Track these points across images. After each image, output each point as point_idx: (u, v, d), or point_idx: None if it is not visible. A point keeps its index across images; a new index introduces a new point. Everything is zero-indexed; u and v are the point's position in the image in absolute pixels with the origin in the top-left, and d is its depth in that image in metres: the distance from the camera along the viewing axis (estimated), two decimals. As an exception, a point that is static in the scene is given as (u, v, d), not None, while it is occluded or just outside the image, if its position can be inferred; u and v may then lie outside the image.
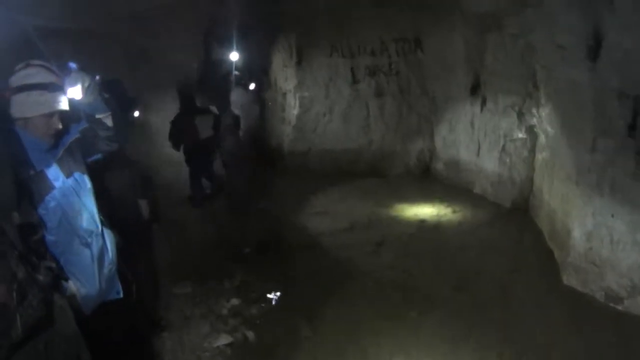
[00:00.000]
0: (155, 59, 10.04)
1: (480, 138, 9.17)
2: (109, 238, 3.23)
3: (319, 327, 4.91)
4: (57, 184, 2.89)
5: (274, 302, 5.60)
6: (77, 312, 2.80)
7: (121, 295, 3.34)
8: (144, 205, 4.94)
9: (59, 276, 2.75)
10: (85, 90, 3.09)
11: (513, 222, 7.64)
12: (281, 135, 12.77)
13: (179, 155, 8.64)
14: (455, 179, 10.00)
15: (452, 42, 9.75)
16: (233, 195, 9.02)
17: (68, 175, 2.99)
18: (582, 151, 5.30)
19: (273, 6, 11.44)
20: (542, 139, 7.39)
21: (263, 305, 5.52)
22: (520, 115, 7.95)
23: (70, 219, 2.92)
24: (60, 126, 2.93)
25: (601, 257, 5.07)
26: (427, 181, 10.69)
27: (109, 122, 3.33)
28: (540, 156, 7.47)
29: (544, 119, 7.22)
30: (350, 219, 8.25)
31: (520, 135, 8.01)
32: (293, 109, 12.13)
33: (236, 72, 12.99)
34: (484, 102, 9.02)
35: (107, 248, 3.17)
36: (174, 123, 8.39)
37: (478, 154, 9.28)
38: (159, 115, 8.99)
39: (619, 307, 4.87)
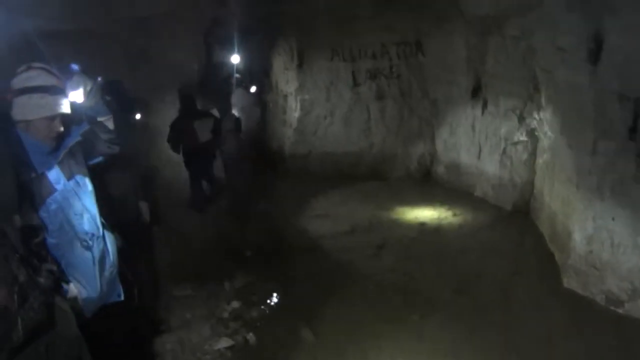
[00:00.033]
0: (156, 60, 10.03)
1: (481, 141, 9.17)
2: (110, 241, 3.24)
3: (320, 330, 4.90)
4: (59, 186, 2.90)
5: (274, 305, 5.60)
6: (78, 315, 2.80)
7: (122, 297, 3.34)
8: (144, 207, 4.94)
9: (60, 279, 2.75)
10: (87, 94, 3.09)
11: (514, 225, 7.64)
12: (282, 138, 12.79)
13: (179, 157, 8.64)
14: (456, 182, 10.00)
15: (453, 45, 9.75)
16: (234, 197, 9.02)
17: (69, 177, 2.99)
18: (583, 154, 5.30)
19: (274, 9, 11.45)
20: (543, 141, 7.39)
21: (264, 308, 5.52)
22: (521, 118, 7.96)
23: (72, 221, 2.92)
24: (62, 129, 2.94)
25: (602, 260, 5.07)
26: (428, 184, 10.69)
27: (110, 124, 3.34)
28: (541, 159, 7.47)
29: (544, 121, 7.22)
30: (351, 221, 8.25)
31: (521, 138, 8.01)
32: (294, 111, 12.16)
33: (237, 75, 13.01)
34: (485, 105, 9.03)
35: (108, 251, 3.17)
36: (172, 126, 8.39)
37: (479, 157, 9.28)
38: (159, 116, 8.97)
39: (620, 310, 4.86)
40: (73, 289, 2.86)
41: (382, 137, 11.51)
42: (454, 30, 9.61)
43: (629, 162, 4.78)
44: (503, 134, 8.41)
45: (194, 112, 8.45)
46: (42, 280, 2.39)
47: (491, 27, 8.38)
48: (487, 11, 8.02)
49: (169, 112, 8.84)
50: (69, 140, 3.07)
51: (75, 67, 3.39)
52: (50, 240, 2.82)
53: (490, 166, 8.84)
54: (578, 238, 5.33)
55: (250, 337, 4.86)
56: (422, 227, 7.89)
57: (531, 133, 7.85)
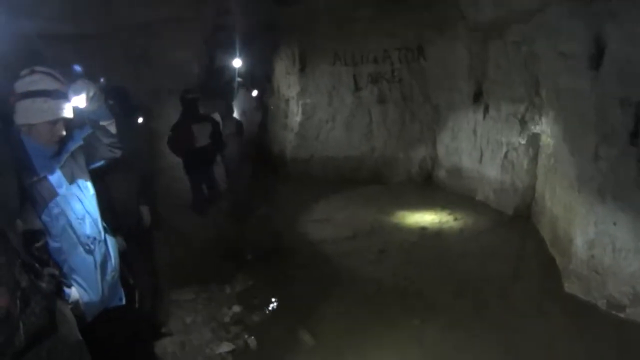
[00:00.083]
0: (157, 61, 10.06)
1: (483, 146, 9.17)
2: (112, 245, 3.24)
3: (321, 334, 4.90)
4: (61, 190, 2.90)
5: (275, 309, 5.59)
6: (79, 319, 2.81)
7: (124, 301, 3.35)
8: (145, 211, 4.94)
9: (61, 283, 2.75)
10: (90, 99, 3.10)
11: (515, 229, 7.64)
12: (284, 142, 12.81)
13: (179, 160, 8.65)
14: (458, 187, 9.99)
15: (455, 50, 9.77)
16: (235, 201, 9.03)
17: (71, 181, 3.00)
18: (585, 159, 5.30)
19: (276, 13, 11.49)
20: (544, 146, 7.39)
21: (265, 312, 5.52)
22: (523, 122, 7.96)
23: (74, 225, 2.92)
24: (64, 133, 2.94)
25: (603, 265, 5.06)
26: (429, 189, 10.68)
27: (112, 129, 3.34)
28: (543, 163, 7.47)
29: (546, 126, 7.23)
30: (352, 226, 8.25)
31: (523, 142, 8.01)
32: (296, 115, 12.18)
33: (239, 79, 13.02)
34: (486, 110, 9.03)
35: (109, 255, 3.18)
36: (172, 129, 8.39)
37: (480, 162, 9.28)
38: (161, 120, 8.99)
39: (621, 315, 4.86)
40: (75, 293, 2.87)
41: (383, 142, 11.51)
42: (455, 36, 9.63)
43: (631, 166, 4.79)
44: (504, 139, 8.40)
45: (194, 115, 8.44)
46: (43, 285, 2.39)
47: (493, 33, 8.39)
48: (488, 17, 8.03)
49: (170, 115, 8.85)
50: (71, 144, 3.08)
51: (77, 68, 3.40)
52: (52, 244, 2.82)
53: (492, 171, 8.84)
54: (579, 243, 5.33)
55: (251, 341, 4.85)
56: (423, 232, 7.88)
57: (533, 138, 7.85)
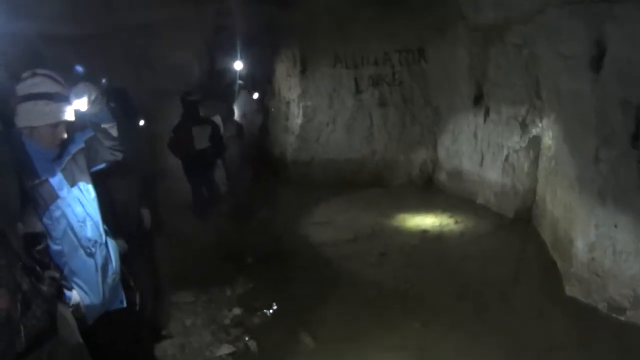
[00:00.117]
0: (157, 62, 10.09)
1: (484, 148, 9.17)
2: (113, 247, 3.24)
3: (321, 337, 4.89)
4: (62, 193, 2.91)
5: (276, 312, 5.59)
6: (80, 322, 2.81)
7: (124, 304, 3.35)
8: (146, 214, 4.94)
9: (62, 286, 2.75)
10: (92, 103, 3.10)
11: (516, 232, 7.62)
12: (284, 145, 12.81)
13: (179, 162, 8.67)
14: (458, 190, 9.98)
15: (456, 52, 9.76)
16: (235, 203, 9.03)
17: (72, 184, 3.01)
18: (585, 161, 5.30)
19: (277, 16, 11.51)
20: (545, 149, 7.38)
21: (265, 314, 5.52)
22: (524, 125, 7.95)
23: (75, 228, 2.93)
24: (66, 136, 2.95)
25: (604, 268, 5.06)
26: (430, 192, 10.67)
27: (114, 132, 3.35)
28: (543, 166, 7.46)
29: (547, 129, 7.22)
30: (353, 229, 8.25)
31: (523, 145, 8.00)
32: (296, 118, 12.18)
33: (240, 81, 13.04)
34: (487, 113, 9.03)
35: (110, 257, 3.18)
36: (173, 131, 8.41)
37: (481, 165, 9.27)
38: (162, 122, 9.00)
39: (622, 318, 4.85)
40: (76, 295, 2.87)
41: (384, 144, 11.51)
42: (456, 38, 9.63)
43: (631, 169, 4.79)
44: (505, 142, 8.40)
45: (194, 118, 8.45)
46: (44, 288, 2.39)
47: (493, 35, 8.39)
48: (489, 18, 8.03)
49: (171, 117, 8.87)
50: (73, 146, 3.08)
51: (79, 68, 3.41)
52: (54, 247, 2.83)
53: (492, 173, 8.83)
54: (580, 245, 5.32)
55: (252, 343, 4.85)
56: (424, 235, 7.88)
57: (533, 140, 7.84)
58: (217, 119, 9.01)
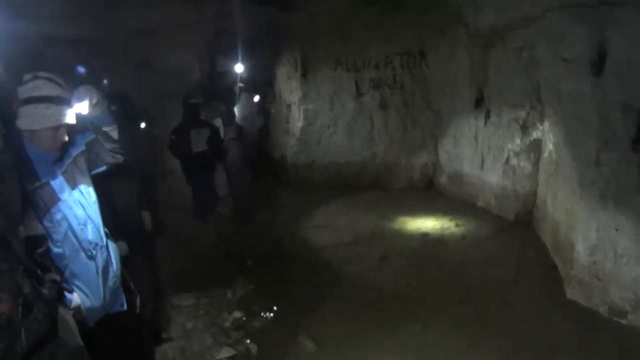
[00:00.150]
0: (158, 64, 10.11)
1: (484, 151, 9.17)
2: (114, 250, 3.25)
3: (322, 340, 4.89)
4: (63, 196, 2.91)
5: (276, 315, 5.58)
6: (81, 324, 2.81)
7: (125, 307, 3.35)
8: (146, 217, 4.95)
9: (63, 288, 2.75)
10: (93, 106, 3.11)
11: (516, 235, 7.62)
12: (285, 147, 12.81)
13: (179, 165, 8.68)
14: (459, 193, 9.98)
15: (457, 55, 9.78)
16: (236, 206, 9.03)
17: (73, 187, 3.01)
18: (586, 164, 5.30)
19: (277, 18, 11.52)
20: (546, 152, 7.38)
21: (265, 317, 5.51)
22: (524, 128, 7.95)
23: (76, 231, 2.93)
24: (67, 139, 2.95)
25: (605, 271, 5.06)
26: (431, 195, 10.66)
27: (114, 134, 3.36)
28: (544, 169, 7.46)
29: (547, 132, 7.22)
30: (353, 232, 8.24)
31: (524, 148, 8.00)
32: (297, 121, 12.18)
33: (241, 84, 13.04)
34: (487, 116, 9.03)
35: (111, 260, 3.18)
36: (172, 133, 8.42)
37: (482, 168, 9.27)
38: (161, 122, 9.01)
39: (623, 321, 4.85)
40: (76, 298, 2.87)
41: (385, 147, 11.50)
42: (457, 42, 9.64)
43: (632, 172, 4.79)
44: (506, 144, 8.40)
45: (194, 121, 8.45)
46: (45, 291, 2.39)
47: (494, 39, 8.40)
48: (489, 22, 8.04)
49: (172, 119, 8.87)
50: (74, 149, 3.09)
51: (81, 69, 3.41)
52: (55, 250, 2.83)
53: (493, 176, 8.83)
54: (581, 248, 5.32)
55: (252, 346, 4.85)
56: (424, 238, 7.87)
57: (534, 143, 7.84)
58: (218, 122, 9.01)
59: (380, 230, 8.31)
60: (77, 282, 2.91)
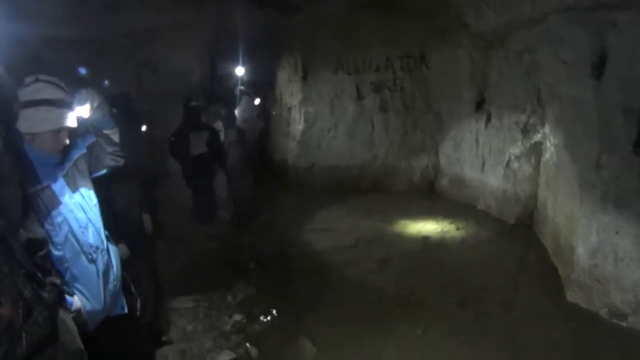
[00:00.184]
0: (159, 66, 10.11)
1: (485, 154, 9.16)
2: (114, 253, 3.25)
3: (322, 343, 4.88)
4: (63, 199, 2.91)
5: (276, 318, 5.57)
6: (81, 328, 2.81)
7: (126, 310, 3.35)
8: (147, 219, 4.95)
9: (63, 291, 2.75)
10: (94, 109, 3.11)
11: (517, 238, 7.61)
12: (285, 150, 12.81)
13: (179, 167, 8.69)
14: (460, 196, 9.97)
15: (457, 58, 9.77)
16: (236, 209, 9.03)
17: (74, 190, 3.01)
18: (587, 167, 5.30)
19: (278, 21, 11.52)
20: (546, 155, 7.38)
21: (266, 320, 5.50)
22: (525, 131, 7.95)
23: (77, 234, 2.93)
24: (68, 142, 2.95)
25: (605, 274, 5.05)
26: (431, 198, 10.65)
27: (116, 137, 3.35)
28: (545, 172, 7.46)
29: (548, 135, 7.22)
30: (354, 235, 8.23)
31: (525, 151, 8.00)
32: (298, 124, 12.18)
33: (241, 87, 13.05)
34: (488, 119, 9.02)
35: (112, 263, 3.18)
36: (173, 135, 8.44)
37: (482, 171, 9.26)
38: (162, 125, 9.02)
39: (623, 324, 4.85)
40: (77, 301, 2.87)
41: (385, 150, 11.48)
42: (458, 45, 9.64)
43: (633, 175, 4.79)
44: (506, 148, 8.40)
45: (194, 123, 8.47)
46: (45, 294, 2.39)
47: (495, 41, 8.41)
48: (491, 26, 8.05)
49: (172, 120, 8.88)
50: (75, 152, 3.09)
51: (82, 70, 3.41)
52: (56, 253, 2.82)
53: (494, 179, 8.82)
54: (582, 252, 5.32)
55: (252, 350, 4.85)
56: (425, 241, 7.86)
57: (535, 146, 7.84)
58: (218, 125, 9.02)
59: (381, 233, 8.30)
60: (77, 285, 2.91)
